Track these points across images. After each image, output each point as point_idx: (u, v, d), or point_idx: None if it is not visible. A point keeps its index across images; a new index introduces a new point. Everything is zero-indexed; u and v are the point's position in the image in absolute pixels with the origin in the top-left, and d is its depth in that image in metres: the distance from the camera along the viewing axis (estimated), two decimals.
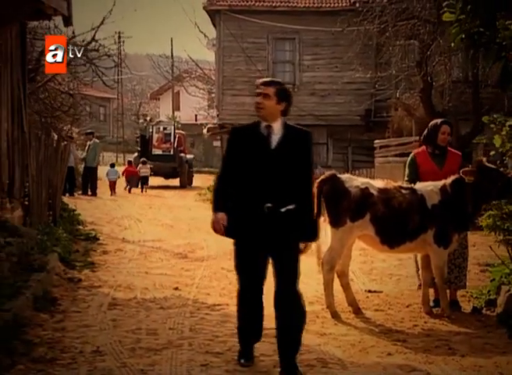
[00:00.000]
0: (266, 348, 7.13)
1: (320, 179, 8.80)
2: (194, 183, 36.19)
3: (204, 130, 34.23)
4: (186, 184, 34.22)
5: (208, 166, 49.84)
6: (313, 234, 6.49)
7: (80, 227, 16.60)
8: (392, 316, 8.68)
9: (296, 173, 6.14)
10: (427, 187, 8.56)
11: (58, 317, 8.41)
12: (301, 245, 6.41)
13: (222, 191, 6.36)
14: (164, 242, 15.24)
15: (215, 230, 6.29)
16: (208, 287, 10.42)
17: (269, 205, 6.08)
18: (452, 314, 8.59)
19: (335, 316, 8.43)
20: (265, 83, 6.35)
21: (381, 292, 9.96)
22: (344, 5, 27.36)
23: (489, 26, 9.32)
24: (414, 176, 9.06)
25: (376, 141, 21.01)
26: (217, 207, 6.26)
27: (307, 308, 8.78)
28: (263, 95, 6.24)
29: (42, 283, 9.51)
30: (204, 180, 38.09)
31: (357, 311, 8.62)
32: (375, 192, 8.48)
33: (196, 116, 55.47)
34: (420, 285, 9.17)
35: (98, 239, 15.25)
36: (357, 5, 26.66)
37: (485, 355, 7.11)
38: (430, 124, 9.35)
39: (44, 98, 15.79)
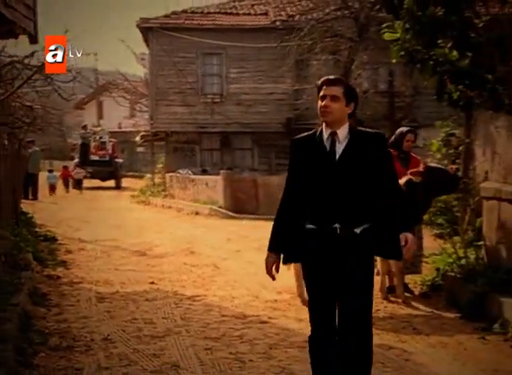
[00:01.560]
0: (254, 333, 7.47)
1: None
2: (122, 185, 38.66)
3: (138, 138, 34.19)
4: (120, 186, 37.70)
5: (133, 171, 49.74)
6: (397, 253, 4.86)
7: (37, 229, 16.50)
8: None
9: (369, 184, 4.71)
10: None
11: (55, 310, 8.51)
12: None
13: (281, 222, 4.90)
14: (119, 241, 15.29)
15: (266, 271, 4.99)
16: (180, 280, 10.59)
17: (338, 225, 4.67)
18: (406, 299, 9.02)
19: (305, 303, 8.72)
20: (331, 82, 4.80)
21: None
22: (265, 23, 27.71)
23: (431, 45, 9.80)
24: None
25: None
26: (272, 245, 4.93)
27: (278, 297, 9.26)
28: (330, 97, 4.73)
29: (32, 280, 9.59)
30: (130, 183, 38.80)
31: None
32: None
33: (120, 124, 55.41)
34: (377, 272, 9.56)
35: (57, 240, 15.23)
36: (278, 23, 27.23)
37: (446, 334, 7.54)
38: (397, 132, 9.68)
39: (8, 109, 15.65)
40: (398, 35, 10.39)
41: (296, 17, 26.87)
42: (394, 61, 10.78)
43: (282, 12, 28.18)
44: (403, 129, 9.75)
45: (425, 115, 23.62)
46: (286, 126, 27.52)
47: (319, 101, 4.81)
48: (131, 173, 47.23)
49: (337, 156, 4.73)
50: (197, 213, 22.56)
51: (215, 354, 6.67)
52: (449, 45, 10.15)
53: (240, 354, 6.68)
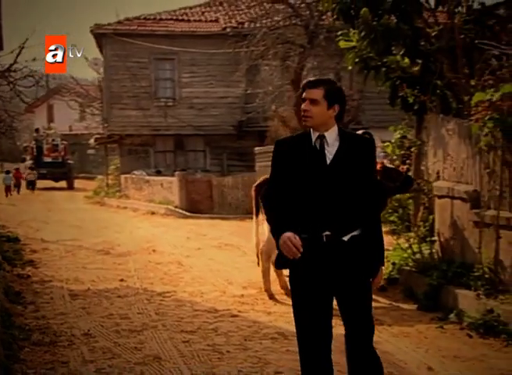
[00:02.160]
0: (227, 326, 7.63)
1: (256, 183, 9.27)
2: (74, 186, 39.58)
3: (92, 140, 34.01)
4: (72, 186, 38.98)
5: (84, 172, 49.46)
6: (381, 259, 4.49)
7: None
8: None
9: (359, 190, 4.30)
10: None
11: (31, 308, 8.55)
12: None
13: (280, 210, 4.31)
14: (81, 241, 15.28)
15: (287, 250, 4.20)
16: (148, 277, 10.69)
17: (328, 233, 4.23)
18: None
19: (272, 297, 8.93)
20: (310, 85, 4.37)
21: None
22: (216, 30, 27.87)
23: (385, 53, 10.08)
24: None
25: (256, 148, 21.67)
26: (282, 227, 4.24)
27: (244, 292, 9.43)
28: (309, 101, 4.31)
29: (5, 279, 9.59)
30: (82, 184, 38.87)
31: (289, 293, 9.13)
32: None
33: (71, 126, 55.02)
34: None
35: (20, 240, 15.14)
36: (228, 30, 27.39)
37: (406, 324, 7.79)
38: None
39: None
40: (353, 43, 10.68)
41: (246, 24, 27.11)
42: (350, 68, 11.06)
43: (233, 20, 28.38)
44: (359, 132, 9.98)
45: (369, 118, 24.15)
46: (238, 128, 27.76)
47: (300, 107, 4.40)
48: (82, 175, 46.99)
49: (328, 160, 4.26)
50: (152, 213, 22.62)
51: (193, 346, 6.81)
52: (401, 53, 10.48)
53: (217, 346, 6.83)
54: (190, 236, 16.13)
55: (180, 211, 21.54)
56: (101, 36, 27.73)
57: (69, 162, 40.41)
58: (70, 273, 11.03)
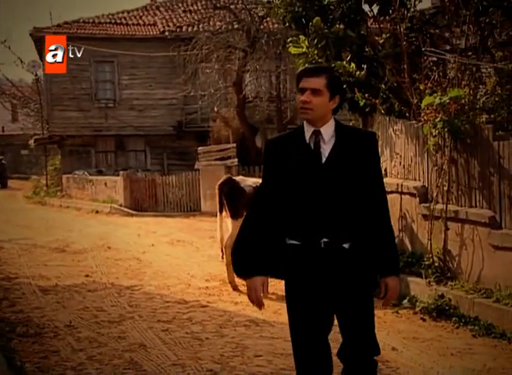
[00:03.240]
0: (200, 315, 7.93)
1: (220, 182, 9.56)
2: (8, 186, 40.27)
3: (31, 141, 33.62)
4: (6, 185, 39.95)
5: (18, 173, 48.81)
6: (393, 269, 3.87)
7: None
8: (277, 285, 9.57)
9: (360, 190, 3.76)
10: None
11: (6, 303, 8.69)
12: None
13: (258, 237, 3.78)
14: (34, 240, 15.27)
15: (253, 301, 3.84)
16: (111, 273, 10.86)
17: (325, 239, 3.71)
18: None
19: (235, 288, 9.24)
20: (311, 72, 3.78)
21: None
22: (155, 33, 28.03)
23: (336, 59, 10.49)
24: None
25: (199, 148, 21.91)
26: (249, 267, 3.79)
27: (208, 284, 9.73)
28: (311, 91, 3.72)
29: None
30: (16, 185, 38.66)
31: None
32: None
33: (3, 127, 54.34)
34: None
35: None
36: (167, 33, 27.59)
37: None
38: None
39: None
40: (303, 49, 11.05)
41: (184, 28, 27.35)
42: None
43: (170, 23, 28.55)
44: None
45: None
46: (177, 129, 27.97)
47: (298, 96, 3.80)
48: (16, 175, 46.39)
49: (323, 159, 3.73)
50: (97, 212, 22.62)
51: (173, 334, 7.09)
52: (348, 58, 10.90)
53: (195, 333, 7.12)
54: (140, 233, 16.29)
55: (125, 209, 21.65)
56: (40, 39, 27.46)
57: (3, 162, 40.96)
58: (33, 270, 11.11)
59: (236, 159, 20.00)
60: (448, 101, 8.04)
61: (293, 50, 11.27)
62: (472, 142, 7.91)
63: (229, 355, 6.37)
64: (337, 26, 10.38)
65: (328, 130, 3.78)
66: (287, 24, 11.05)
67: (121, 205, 22.04)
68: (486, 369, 5.99)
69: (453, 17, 10.65)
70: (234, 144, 20.45)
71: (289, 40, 11.55)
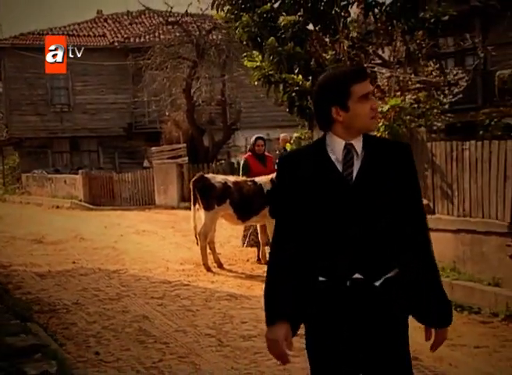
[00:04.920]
0: (185, 292, 8.56)
1: (194, 179, 10.18)
2: None
3: None
4: None
5: None
6: (445, 319, 2.89)
7: None
8: (244, 266, 10.29)
9: (397, 214, 2.83)
10: (262, 179, 10.11)
11: (12, 287, 9.10)
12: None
13: (284, 278, 2.83)
14: (11, 232, 15.45)
15: (274, 355, 2.87)
16: (94, 260, 11.30)
17: (358, 276, 2.77)
18: None
19: (209, 270, 9.89)
20: (365, 74, 2.85)
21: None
22: (104, 44, 28.35)
23: (288, 72, 11.25)
24: (248, 173, 10.55)
25: (153, 148, 22.43)
26: (274, 313, 2.84)
27: (184, 267, 10.34)
28: (371, 95, 2.83)
29: None
30: None
31: (221, 266, 10.13)
32: (231, 184, 10.02)
33: None
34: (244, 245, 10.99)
35: None
36: (116, 44, 27.95)
37: None
38: (251, 139, 10.98)
39: None
40: (257, 63, 11.79)
41: (132, 39, 27.76)
42: (255, 83, 12.12)
43: (118, 34, 28.88)
44: (254, 137, 10.97)
45: (249, 120, 25.49)
46: (127, 130, 28.43)
47: (361, 105, 2.76)
48: None
49: (354, 177, 2.78)
50: (57, 207, 22.86)
51: (168, 308, 7.73)
52: (296, 71, 11.68)
53: (186, 306, 7.77)
54: (106, 225, 16.65)
55: (85, 204, 22.00)
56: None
57: None
58: (23, 259, 11.48)
59: (186, 158, 20.58)
60: (388, 108, 8.93)
61: (248, 64, 12.00)
62: (409, 143, 8.78)
63: (220, 322, 7.05)
64: (288, 44, 11.14)
65: (359, 143, 2.81)
66: (244, 42, 11.74)
67: (81, 201, 22.38)
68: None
69: (384, 36, 11.60)
70: (184, 144, 21.02)
71: (243, 55, 12.32)
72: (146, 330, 6.79)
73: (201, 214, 10.04)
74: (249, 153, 11.04)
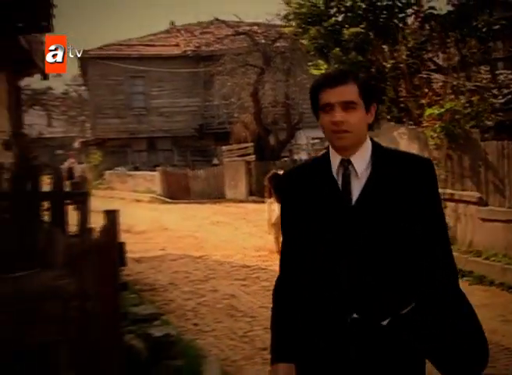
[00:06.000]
0: (264, 275, 9.09)
1: (268, 176, 10.65)
2: None
3: (76, 143, 34.76)
4: None
5: None
6: (480, 362, 2.19)
7: None
8: None
9: (411, 243, 2.19)
10: None
11: None
12: None
13: (284, 315, 2.35)
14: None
15: None
16: (179, 247, 11.86)
17: (355, 315, 2.19)
18: None
19: None
20: (336, 80, 2.19)
21: None
22: (178, 52, 29.18)
23: None
24: None
25: (224, 147, 23.08)
26: (279, 351, 2.33)
27: (259, 253, 10.85)
28: (341, 105, 2.16)
29: None
30: None
31: None
32: None
33: (40, 131, 55.70)
34: None
35: None
36: (188, 52, 28.74)
37: None
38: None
39: None
40: (323, 71, 12.22)
41: (203, 48, 28.50)
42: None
43: (190, 44, 29.65)
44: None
45: (309, 120, 25.89)
46: (199, 131, 29.22)
47: (322, 116, 2.22)
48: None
49: (354, 199, 2.21)
50: (138, 201, 23.70)
51: (250, 288, 8.27)
52: None
53: (266, 287, 8.23)
54: (184, 217, 17.36)
55: (163, 198, 22.78)
56: (85, 59, 28.58)
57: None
58: None
59: (253, 156, 21.17)
60: (444, 111, 9.26)
61: (314, 71, 12.48)
62: (464, 142, 9.11)
63: None
64: (352, 53, 11.55)
65: (362, 158, 2.23)
66: (311, 53, 12.20)
67: (159, 195, 23.18)
68: (482, 305, 7.20)
69: (439, 44, 11.88)
70: (252, 144, 21.61)
71: (309, 64, 12.79)
72: (234, 306, 7.35)
73: (275, 207, 10.53)
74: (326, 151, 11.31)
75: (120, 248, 4.80)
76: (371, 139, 2.26)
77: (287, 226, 2.37)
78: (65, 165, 23.65)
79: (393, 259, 2.17)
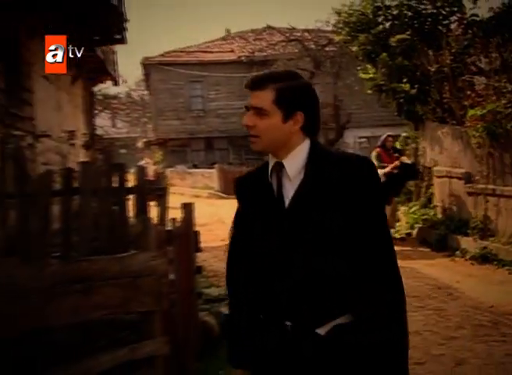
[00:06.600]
0: None
1: None
2: None
3: (140, 143, 35.61)
4: None
5: None
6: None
7: None
8: None
9: (345, 245, 1.98)
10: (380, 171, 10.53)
11: None
12: None
13: (239, 314, 2.23)
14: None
15: None
16: None
17: (288, 322, 2.03)
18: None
19: None
20: (254, 84, 2.06)
21: None
22: (233, 58, 29.64)
23: (398, 82, 11.80)
24: (381, 164, 10.37)
25: None
26: (234, 354, 2.23)
27: None
28: (254, 110, 2.05)
29: None
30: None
31: None
32: None
33: (106, 131, 57.25)
34: None
35: None
36: (243, 58, 29.16)
37: (429, 258, 9.58)
38: (382, 137, 11.05)
39: None
40: (370, 75, 12.43)
41: (256, 54, 28.89)
42: (370, 92, 12.73)
43: (244, 50, 30.07)
44: (384, 135, 11.38)
45: (356, 120, 26.07)
46: None
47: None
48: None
49: (287, 202, 2.07)
50: (197, 196, 24.23)
51: None
52: (404, 80, 12.21)
53: None
54: None
55: (220, 194, 23.28)
56: (148, 66, 29.31)
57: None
58: None
59: None
60: (486, 112, 9.39)
61: (363, 75, 12.69)
62: (504, 141, 9.21)
63: None
64: (398, 58, 11.72)
65: (294, 162, 2.08)
66: (360, 58, 12.41)
67: (216, 191, 23.68)
68: None
69: (481, 48, 11.94)
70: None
71: (358, 68, 13.01)
72: None
73: None
74: (378, 148, 10.92)
75: (195, 236, 5.16)
76: (314, 142, 2.08)
77: (234, 228, 2.31)
78: (142, 163, 24.31)
79: (326, 265, 1.98)
